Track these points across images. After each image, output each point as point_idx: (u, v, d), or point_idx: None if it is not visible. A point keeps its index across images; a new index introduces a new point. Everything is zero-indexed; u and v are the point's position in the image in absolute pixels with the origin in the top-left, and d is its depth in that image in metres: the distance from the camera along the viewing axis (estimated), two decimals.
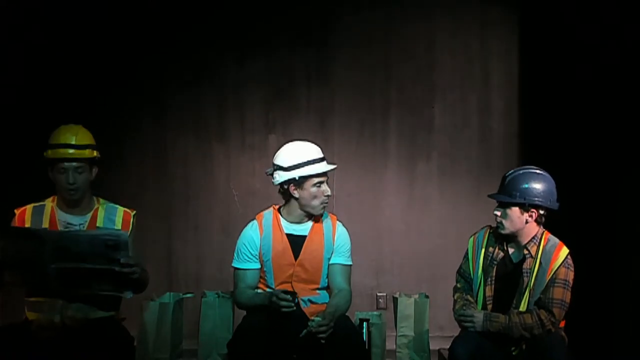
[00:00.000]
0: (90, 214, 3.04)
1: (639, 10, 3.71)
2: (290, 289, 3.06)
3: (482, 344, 3.02)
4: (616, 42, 3.89)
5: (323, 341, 2.90)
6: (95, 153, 3.04)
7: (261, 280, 3.23)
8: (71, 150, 2.97)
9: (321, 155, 3.17)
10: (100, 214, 3.05)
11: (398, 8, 4.62)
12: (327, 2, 4.60)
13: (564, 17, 4.28)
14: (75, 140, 2.99)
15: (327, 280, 3.22)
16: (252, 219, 3.28)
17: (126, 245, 2.78)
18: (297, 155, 3.13)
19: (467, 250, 3.25)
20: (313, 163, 3.12)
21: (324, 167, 3.15)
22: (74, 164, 2.96)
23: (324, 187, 3.15)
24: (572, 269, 3.06)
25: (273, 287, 3.17)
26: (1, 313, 3.97)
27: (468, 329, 3.07)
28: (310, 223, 3.23)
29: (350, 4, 4.62)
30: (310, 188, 3.12)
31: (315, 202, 3.14)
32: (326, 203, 3.18)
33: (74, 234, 2.88)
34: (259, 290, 3.21)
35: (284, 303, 2.92)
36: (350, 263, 3.26)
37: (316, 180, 3.12)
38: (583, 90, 4.13)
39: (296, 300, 3.00)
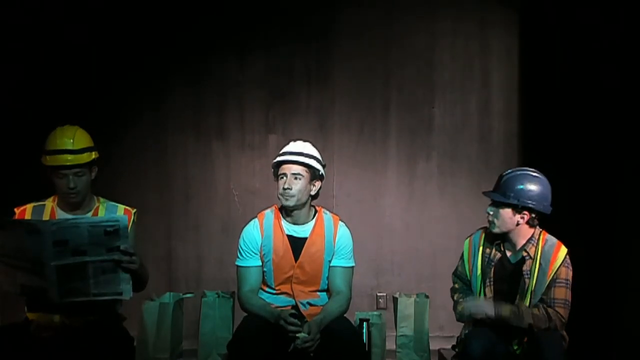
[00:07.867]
0: (90, 213, 3.02)
1: (639, 9, 3.71)
2: (296, 314, 3.04)
3: (494, 340, 3.00)
4: (616, 42, 3.89)
5: (312, 354, 2.91)
6: (93, 155, 2.97)
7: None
8: (69, 157, 2.89)
9: (298, 150, 3.18)
10: (101, 212, 3.03)
11: (398, 8, 4.62)
12: (327, 2, 4.61)
13: (564, 17, 4.28)
14: (72, 144, 2.90)
15: (327, 282, 3.21)
16: (254, 217, 3.28)
17: (125, 229, 2.72)
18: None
19: (463, 252, 3.23)
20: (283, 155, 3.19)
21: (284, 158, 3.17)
22: (74, 169, 2.90)
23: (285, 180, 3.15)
24: (571, 268, 3.06)
25: (273, 286, 3.17)
26: (1, 313, 3.97)
27: (479, 316, 3.03)
28: (311, 224, 3.21)
29: (351, 4, 4.62)
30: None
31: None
32: (287, 197, 3.14)
33: (72, 222, 2.73)
34: (263, 294, 3.20)
35: (291, 328, 2.93)
36: (351, 265, 3.24)
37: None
38: (583, 90, 4.14)
39: (304, 321, 3.00)
